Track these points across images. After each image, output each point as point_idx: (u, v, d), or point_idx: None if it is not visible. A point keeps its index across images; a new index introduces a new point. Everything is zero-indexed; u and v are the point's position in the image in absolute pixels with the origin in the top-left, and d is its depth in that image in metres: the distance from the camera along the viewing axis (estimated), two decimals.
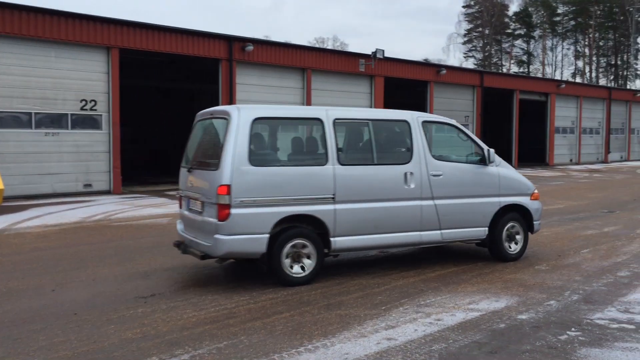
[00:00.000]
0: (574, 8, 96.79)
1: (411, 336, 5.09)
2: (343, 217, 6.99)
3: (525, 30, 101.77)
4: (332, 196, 6.94)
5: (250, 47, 19.35)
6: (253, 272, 7.39)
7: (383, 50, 22.87)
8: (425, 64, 26.40)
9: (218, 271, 7.61)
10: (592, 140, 36.60)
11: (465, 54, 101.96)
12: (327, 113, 7.20)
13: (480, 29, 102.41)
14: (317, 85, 22.01)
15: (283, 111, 7.89)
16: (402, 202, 7.41)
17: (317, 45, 67.22)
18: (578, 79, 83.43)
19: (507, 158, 31.86)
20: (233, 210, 6.47)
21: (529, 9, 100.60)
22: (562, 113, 33.79)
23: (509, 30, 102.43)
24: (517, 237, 8.22)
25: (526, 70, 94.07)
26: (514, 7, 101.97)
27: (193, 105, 27.26)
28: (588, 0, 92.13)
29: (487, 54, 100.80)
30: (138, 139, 25.34)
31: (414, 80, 25.50)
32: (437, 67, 26.54)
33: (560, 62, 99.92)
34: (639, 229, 10.96)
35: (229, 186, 6.46)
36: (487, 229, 7.98)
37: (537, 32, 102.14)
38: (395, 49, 24.94)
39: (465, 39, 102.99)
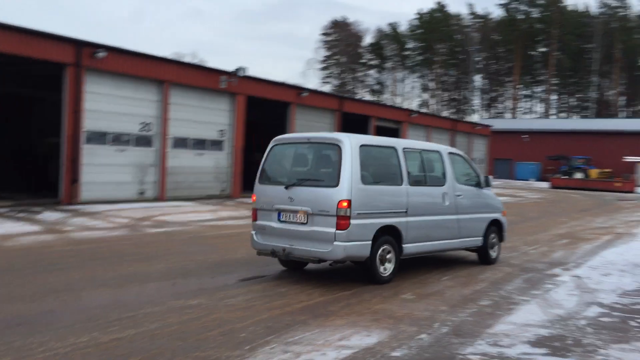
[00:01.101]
0: (421, 44, 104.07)
1: None
2: (411, 228, 8.70)
3: (378, 61, 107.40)
4: (405, 210, 8.65)
5: (101, 54, 17.82)
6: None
7: (246, 68, 22.37)
8: (288, 85, 26.27)
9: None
10: None
11: (322, 79, 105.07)
12: (398, 142, 9.14)
13: (337, 57, 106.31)
14: (176, 100, 20.90)
15: (374, 139, 9.10)
16: (442, 216, 9.40)
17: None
18: (424, 110, 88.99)
19: None
20: (352, 221, 7.81)
21: (382, 42, 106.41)
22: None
23: (364, 60, 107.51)
24: (495, 246, 10.61)
25: (378, 99, 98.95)
26: (368, 39, 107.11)
27: (33, 112, 24.73)
28: (433, 38, 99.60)
29: (343, 81, 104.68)
30: None
31: (276, 101, 25.27)
32: (299, 89, 26.55)
33: (408, 93, 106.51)
34: None
35: (349, 201, 7.83)
36: (482, 238, 10.20)
37: (389, 64, 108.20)
38: (255, 71, 24.78)
39: (323, 65, 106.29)
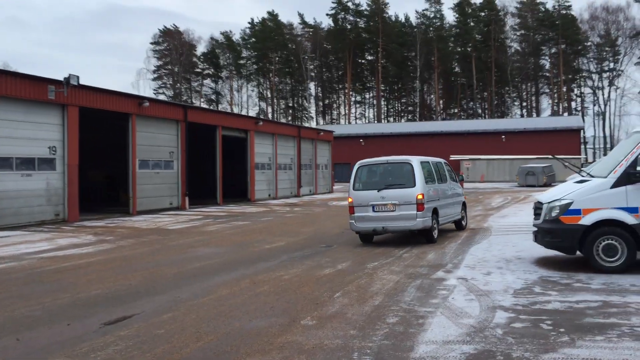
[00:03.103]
0: (256, 53, 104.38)
1: None
2: (440, 207, 14.46)
3: (213, 70, 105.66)
4: (438, 198, 14.41)
5: None
6: None
7: (78, 77, 20.04)
8: (127, 95, 24.10)
9: None
10: (287, 176, 38.77)
11: (155, 90, 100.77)
12: (427, 158, 15.09)
13: (169, 67, 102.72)
14: None
15: (424, 158, 14.83)
16: (448, 200, 15.38)
17: None
18: (270, 118, 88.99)
19: (213, 195, 31.45)
20: (425, 205, 13.36)
21: (216, 51, 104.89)
22: (261, 150, 34.96)
23: (198, 70, 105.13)
24: (464, 219, 17.03)
25: (216, 109, 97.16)
26: (201, 48, 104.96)
27: None
28: (267, 47, 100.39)
29: (177, 91, 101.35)
30: None
31: (115, 112, 23.07)
32: (139, 99, 24.53)
33: (246, 102, 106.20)
34: (368, 264, 10.99)
35: (423, 194, 13.35)
36: (460, 213, 16.53)
37: (224, 73, 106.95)
38: (85, 83, 22.24)
39: (155, 75, 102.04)
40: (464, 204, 17.09)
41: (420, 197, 13.25)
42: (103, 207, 27.52)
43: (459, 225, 16.56)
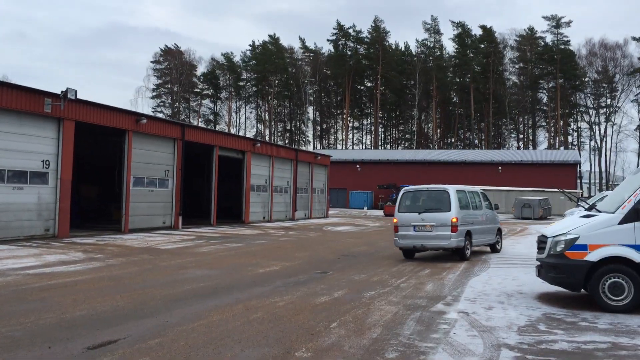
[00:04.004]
0: (255, 75, 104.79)
1: None
2: (474, 232, 16.75)
3: (212, 91, 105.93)
4: (472, 222, 16.77)
5: None
6: None
7: (75, 91, 19.79)
8: (124, 111, 23.81)
9: None
10: (282, 199, 38.44)
11: (153, 108, 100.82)
12: (465, 187, 17.69)
13: (168, 86, 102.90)
14: None
15: (460, 187, 17.27)
16: (482, 225, 17.53)
17: None
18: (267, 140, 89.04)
19: (207, 215, 31.05)
20: (459, 228, 15.75)
21: (216, 72, 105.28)
22: (257, 171, 34.69)
23: (197, 90, 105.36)
24: (499, 242, 19.11)
25: (213, 129, 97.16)
26: (201, 68, 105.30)
27: None
28: (267, 70, 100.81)
29: (175, 110, 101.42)
30: None
31: (111, 128, 22.79)
32: (137, 115, 24.29)
33: (243, 124, 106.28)
34: (365, 292, 10.65)
35: (457, 218, 15.68)
36: (495, 237, 18.71)
37: (223, 94, 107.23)
38: (81, 97, 22.04)
39: (154, 93, 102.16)
40: (499, 230, 19.12)
41: (454, 220, 15.69)
42: (95, 223, 27.08)
43: (494, 249, 18.69)
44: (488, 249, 18.89)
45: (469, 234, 16.35)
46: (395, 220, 16.53)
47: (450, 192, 16.04)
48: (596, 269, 8.92)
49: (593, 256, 8.93)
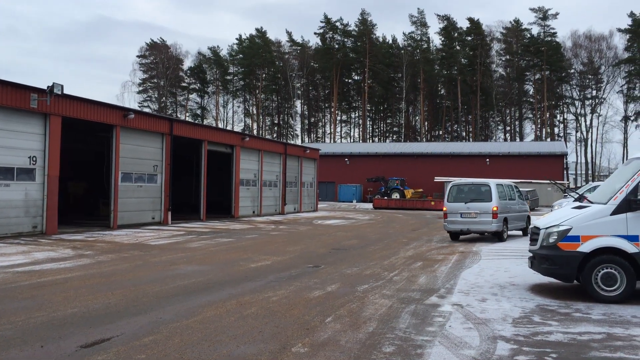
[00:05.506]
0: (243, 69, 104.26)
1: None
2: (510, 218, 20.39)
3: (199, 85, 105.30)
4: (508, 211, 20.26)
5: None
6: None
7: (62, 86, 19.54)
8: (112, 106, 23.52)
9: None
10: (271, 193, 38.33)
11: (140, 103, 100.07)
12: (503, 181, 21.56)
13: (155, 80, 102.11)
14: None
15: (499, 181, 20.77)
16: (516, 213, 21.14)
17: None
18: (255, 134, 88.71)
19: (196, 210, 30.89)
20: (498, 215, 19.06)
21: (203, 66, 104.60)
22: (246, 166, 34.53)
23: (184, 84, 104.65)
24: (527, 226, 21.57)
25: (202, 123, 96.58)
26: (188, 62, 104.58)
27: None
28: (254, 63, 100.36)
29: (162, 104, 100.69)
30: None
31: (98, 124, 22.54)
32: (125, 110, 24.01)
33: (231, 118, 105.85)
34: (358, 286, 10.63)
35: (497, 207, 19.10)
36: (524, 223, 22.21)
37: (210, 88, 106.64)
38: (68, 93, 21.70)
39: (140, 88, 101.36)
40: (528, 217, 22.69)
41: (494, 208, 19.03)
42: (83, 219, 26.83)
43: (525, 232, 22.03)
44: (477, 237, 21.06)
45: (505, 220, 19.77)
46: (444, 209, 19.98)
47: (492, 185, 19.40)
48: (589, 259, 8.96)
49: (586, 247, 8.97)
